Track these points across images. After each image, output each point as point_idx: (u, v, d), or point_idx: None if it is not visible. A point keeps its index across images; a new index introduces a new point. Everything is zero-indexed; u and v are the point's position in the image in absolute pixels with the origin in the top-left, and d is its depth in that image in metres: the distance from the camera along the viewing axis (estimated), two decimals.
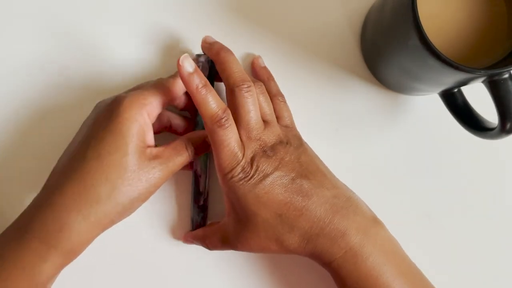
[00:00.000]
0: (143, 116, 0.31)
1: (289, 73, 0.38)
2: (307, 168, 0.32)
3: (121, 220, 0.31)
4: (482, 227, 0.38)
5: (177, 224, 0.38)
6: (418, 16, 0.27)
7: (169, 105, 0.34)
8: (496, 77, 0.28)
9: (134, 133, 0.30)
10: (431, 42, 0.27)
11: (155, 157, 0.31)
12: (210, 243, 0.35)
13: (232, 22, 0.38)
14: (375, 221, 0.32)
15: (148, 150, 0.31)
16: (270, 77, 0.37)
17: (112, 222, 0.31)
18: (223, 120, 0.30)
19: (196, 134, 0.34)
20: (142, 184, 0.30)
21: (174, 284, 0.37)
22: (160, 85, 0.33)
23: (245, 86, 0.32)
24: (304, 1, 0.38)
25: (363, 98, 0.38)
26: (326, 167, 0.34)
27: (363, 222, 0.31)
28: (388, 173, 0.38)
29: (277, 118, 0.35)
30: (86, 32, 0.37)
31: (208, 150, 0.34)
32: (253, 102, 0.32)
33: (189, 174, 0.37)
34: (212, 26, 0.38)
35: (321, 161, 0.34)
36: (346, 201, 0.32)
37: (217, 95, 0.31)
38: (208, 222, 0.37)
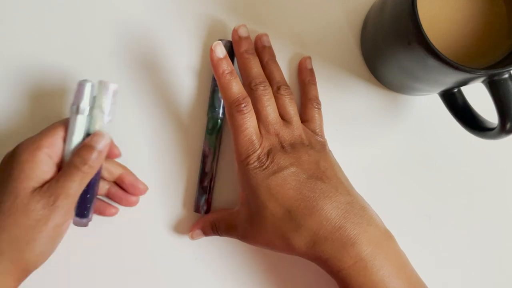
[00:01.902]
0: (39, 156, 0.30)
1: (289, 73, 0.38)
2: (325, 172, 0.32)
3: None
4: (482, 227, 0.38)
5: (182, 218, 0.37)
6: (418, 16, 0.27)
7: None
8: (496, 77, 0.28)
9: (26, 174, 0.30)
10: (431, 42, 0.27)
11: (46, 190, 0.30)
12: (219, 227, 0.35)
13: (231, 22, 0.38)
14: (388, 235, 0.32)
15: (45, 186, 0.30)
16: (312, 80, 0.37)
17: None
18: (242, 106, 0.32)
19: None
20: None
21: (178, 277, 0.37)
22: (58, 124, 0.32)
23: (262, 86, 0.33)
24: (304, 2, 0.38)
25: (363, 98, 0.38)
26: (345, 177, 0.34)
27: (376, 233, 0.31)
28: (388, 173, 0.38)
29: (306, 121, 0.35)
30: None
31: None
32: (269, 99, 0.33)
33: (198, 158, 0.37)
34: (208, 27, 0.38)
35: (341, 170, 0.34)
36: (360, 210, 0.31)
37: (240, 83, 0.32)
38: (212, 207, 0.37)
